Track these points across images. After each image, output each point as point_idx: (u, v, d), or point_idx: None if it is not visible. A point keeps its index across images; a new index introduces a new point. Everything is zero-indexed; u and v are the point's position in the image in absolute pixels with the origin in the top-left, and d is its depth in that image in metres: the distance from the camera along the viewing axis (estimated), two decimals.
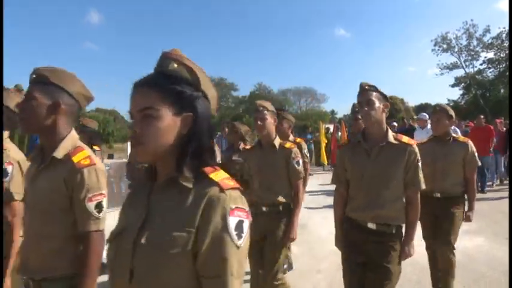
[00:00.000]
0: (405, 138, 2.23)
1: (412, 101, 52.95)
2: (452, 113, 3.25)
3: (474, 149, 3.19)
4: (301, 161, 2.82)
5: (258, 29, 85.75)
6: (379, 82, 2.22)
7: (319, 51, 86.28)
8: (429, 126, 7.32)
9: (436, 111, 3.27)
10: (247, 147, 3.91)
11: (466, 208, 3.25)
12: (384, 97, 2.22)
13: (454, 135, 3.26)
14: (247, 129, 4.27)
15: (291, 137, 3.96)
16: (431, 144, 3.27)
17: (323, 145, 13.36)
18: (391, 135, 2.21)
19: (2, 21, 2.29)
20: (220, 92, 52.46)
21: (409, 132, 8.45)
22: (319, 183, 9.80)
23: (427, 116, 7.88)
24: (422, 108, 33.84)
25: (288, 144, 2.83)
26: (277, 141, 2.82)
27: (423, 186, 2.21)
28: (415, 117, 19.70)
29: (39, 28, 77.70)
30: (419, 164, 2.20)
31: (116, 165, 8.14)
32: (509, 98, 10.47)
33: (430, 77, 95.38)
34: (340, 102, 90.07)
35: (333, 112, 49.15)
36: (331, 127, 16.93)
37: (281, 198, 2.76)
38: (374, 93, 2.18)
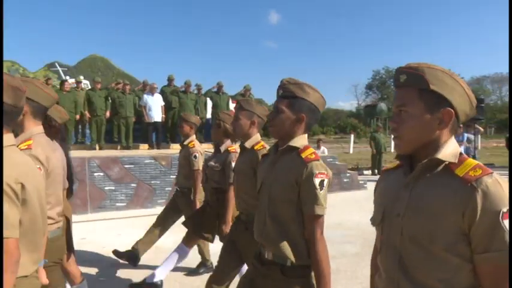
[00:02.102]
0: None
1: None
2: (460, 90, 1.06)
3: (498, 193, 0.98)
4: None
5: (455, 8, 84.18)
6: None
7: None
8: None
9: (399, 84, 1.14)
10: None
11: None
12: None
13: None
14: (196, 119, 4.08)
15: (253, 139, 2.42)
16: (395, 178, 1.24)
17: None
18: None
19: (1, 21, 2.37)
20: None
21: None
22: None
23: None
24: None
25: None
26: None
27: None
28: None
29: (224, 27, 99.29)
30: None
31: None
32: (509, 98, 9.73)
33: None
34: None
35: None
36: None
37: None
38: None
